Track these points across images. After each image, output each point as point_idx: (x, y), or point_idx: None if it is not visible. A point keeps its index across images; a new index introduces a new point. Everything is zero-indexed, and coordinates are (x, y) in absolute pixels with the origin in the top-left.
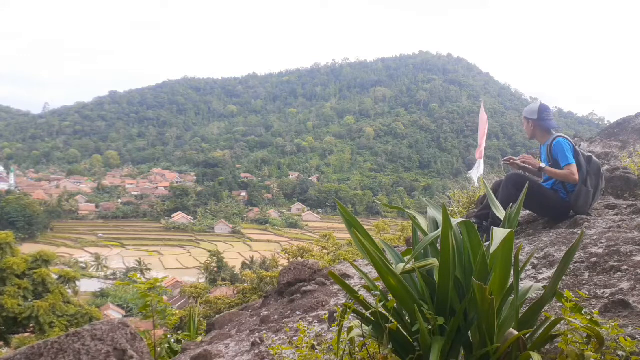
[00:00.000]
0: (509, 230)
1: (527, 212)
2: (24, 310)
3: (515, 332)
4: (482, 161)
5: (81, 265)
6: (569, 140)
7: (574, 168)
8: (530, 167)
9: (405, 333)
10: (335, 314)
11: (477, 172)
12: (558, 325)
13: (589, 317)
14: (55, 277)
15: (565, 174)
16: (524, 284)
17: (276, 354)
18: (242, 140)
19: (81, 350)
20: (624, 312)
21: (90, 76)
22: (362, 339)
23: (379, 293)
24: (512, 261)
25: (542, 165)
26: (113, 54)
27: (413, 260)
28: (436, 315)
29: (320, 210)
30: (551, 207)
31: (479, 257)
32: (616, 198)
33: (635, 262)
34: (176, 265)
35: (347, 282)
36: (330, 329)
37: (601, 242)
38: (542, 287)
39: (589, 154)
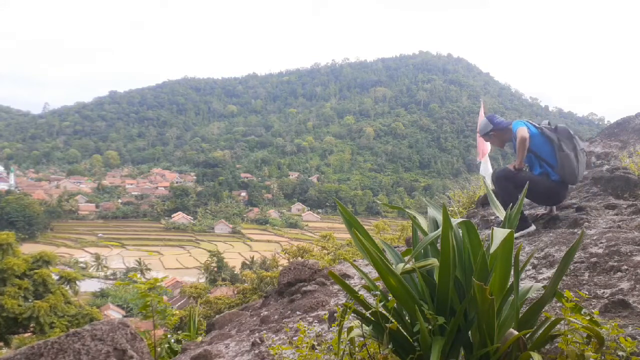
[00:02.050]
0: (509, 230)
1: (527, 212)
2: (24, 311)
3: (515, 332)
4: (484, 160)
5: (81, 265)
6: (525, 121)
7: (520, 129)
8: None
9: (405, 333)
10: (335, 314)
11: (486, 170)
12: (558, 325)
13: (588, 317)
14: (55, 277)
15: (519, 141)
16: (524, 284)
17: (276, 354)
18: (242, 140)
19: (81, 350)
20: (624, 312)
21: (90, 76)
22: (362, 339)
23: (379, 293)
24: (512, 261)
25: (514, 165)
26: (113, 54)
27: (413, 260)
28: (436, 315)
29: (320, 210)
30: (544, 191)
31: (479, 257)
32: (616, 198)
33: (635, 262)
34: (176, 265)
35: (347, 282)
36: (330, 329)
37: (601, 242)
38: (542, 287)
39: (556, 125)
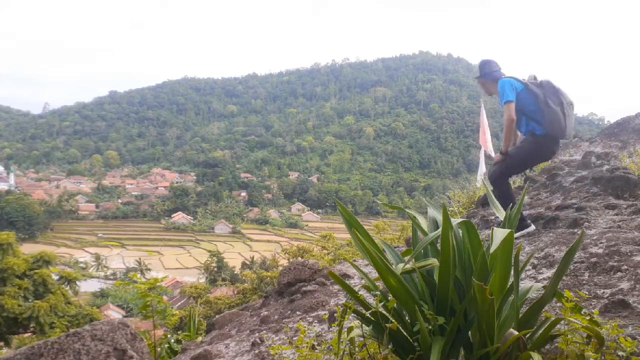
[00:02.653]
0: (509, 230)
1: (526, 212)
2: (24, 311)
3: (515, 332)
4: (482, 161)
5: (81, 265)
6: (513, 78)
7: (508, 106)
8: (501, 157)
9: (405, 333)
10: (335, 314)
11: (481, 170)
12: (558, 325)
13: (588, 317)
14: (55, 277)
15: (505, 121)
16: (524, 284)
17: (276, 354)
18: (242, 140)
19: (81, 351)
20: (624, 312)
21: (90, 76)
22: (362, 339)
23: (379, 293)
24: (512, 261)
25: (500, 150)
26: (113, 54)
27: (413, 260)
28: (436, 315)
29: (320, 210)
30: (533, 154)
31: (479, 257)
32: (616, 198)
33: (635, 262)
34: (176, 265)
35: (347, 282)
36: (330, 329)
37: (601, 242)
38: (542, 287)
39: (541, 80)
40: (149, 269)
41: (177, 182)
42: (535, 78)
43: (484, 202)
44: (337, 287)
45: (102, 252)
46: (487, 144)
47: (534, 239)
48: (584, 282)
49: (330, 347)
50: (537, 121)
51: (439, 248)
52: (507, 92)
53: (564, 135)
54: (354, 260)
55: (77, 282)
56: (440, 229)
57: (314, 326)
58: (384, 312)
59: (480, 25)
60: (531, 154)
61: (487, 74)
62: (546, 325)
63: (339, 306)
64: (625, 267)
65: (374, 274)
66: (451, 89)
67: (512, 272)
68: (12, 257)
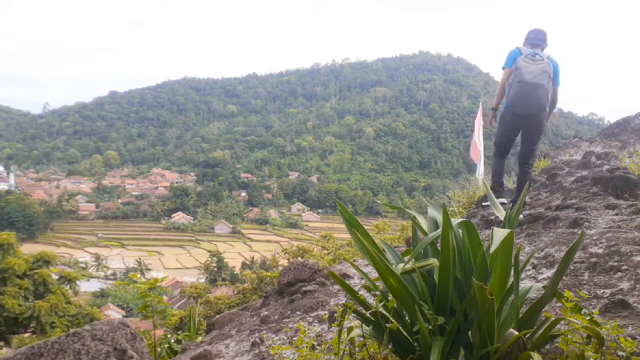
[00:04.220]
0: (509, 230)
1: (526, 212)
2: (25, 311)
3: (515, 332)
4: (481, 162)
5: (81, 265)
6: (519, 51)
7: (504, 71)
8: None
9: (405, 333)
10: (335, 314)
11: (480, 172)
12: (558, 325)
13: (589, 317)
14: (55, 277)
15: (499, 82)
16: (524, 284)
17: (276, 354)
18: (242, 140)
19: (81, 351)
20: (624, 312)
21: (90, 76)
22: (362, 339)
23: (379, 293)
24: (512, 261)
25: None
26: (113, 54)
27: (413, 260)
28: (436, 315)
29: (320, 210)
30: (501, 126)
31: (479, 257)
32: (616, 198)
33: (635, 262)
34: (176, 265)
35: (347, 282)
36: (330, 329)
37: (601, 242)
38: (542, 287)
39: (523, 58)
40: (149, 269)
41: (177, 182)
42: (534, 55)
43: (484, 202)
44: (337, 287)
45: (102, 252)
46: (478, 154)
47: (534, 239)
48: (584, 282)
49: (330, 347)
50: (507, 92)
51: (439, 248)
52: (507, 59)
53: (514, 108)
54: (354, 260)
55: (77, 282)
56: (440, 229)
57: (314, 326)
58: (384, 312)
59: (480, 25)
60: (502, 127)
61: (526, 39)
62: (546, 325)
63: (339, 306)
64: (625, 267)
65: (374, 274)
66: (451, 89)
67: (512, 272)
68: (12, 257)
